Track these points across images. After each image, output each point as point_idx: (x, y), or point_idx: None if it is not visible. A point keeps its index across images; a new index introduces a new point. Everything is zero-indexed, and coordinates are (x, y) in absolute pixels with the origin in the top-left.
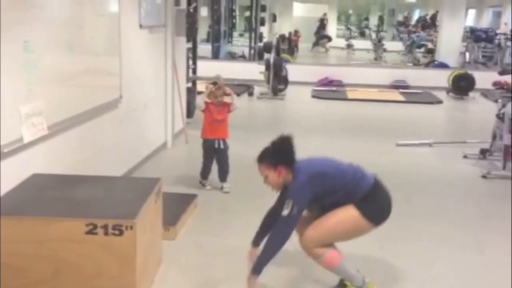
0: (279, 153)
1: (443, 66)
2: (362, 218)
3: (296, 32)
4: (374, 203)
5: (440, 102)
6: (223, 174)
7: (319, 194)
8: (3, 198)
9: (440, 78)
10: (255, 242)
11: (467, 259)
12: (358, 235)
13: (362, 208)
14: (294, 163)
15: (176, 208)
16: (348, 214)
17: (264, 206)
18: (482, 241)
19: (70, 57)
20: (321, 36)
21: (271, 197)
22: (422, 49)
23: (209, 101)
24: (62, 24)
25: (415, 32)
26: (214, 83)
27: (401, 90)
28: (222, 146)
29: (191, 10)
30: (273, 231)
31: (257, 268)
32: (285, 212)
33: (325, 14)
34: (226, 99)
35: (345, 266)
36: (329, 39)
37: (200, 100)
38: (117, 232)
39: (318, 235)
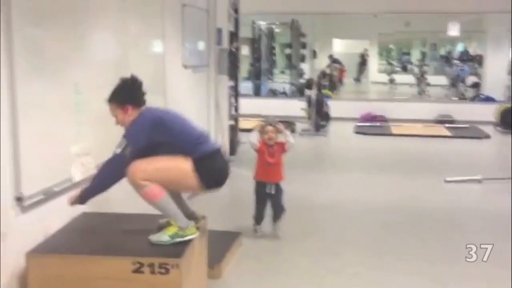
0: (126, 92)
1: (489, 100)
2: (193, 173)
3: (341, 68)
4: (210, 166)
5: (488, 136)
6: (275, 218)
7: (155, 142)
8: (53, 236)
9: (487, 112)
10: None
11: None
12: (183, 189)
13: (197, 164)
14: (142, 105)
15: (221, 246)
16: (182, 163)
17: (313, 247)
18: None
19: None
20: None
21: (320, 238)
22: (467, 83)
23: (261, 140)
24: (109, 65)
25: (458, 65)
26: (267, 120)
27: (447, 125)
28: (273, 192)
29: (233, 49)
30: (103, 165)
31: (83, 197)
32: (118, 150)
33: (365, 50)
34: (280, 138)
35: (168, 203)
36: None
37: (253, 139)
38: (163, 270)
39: (147, 168)
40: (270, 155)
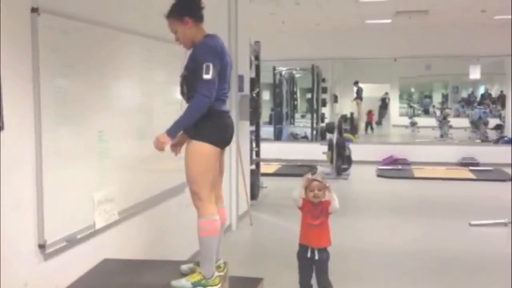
0: (184, 4)
1: None
2: (209, 147)
3: (370, 111)
4: (221, 124)
5: None
6: None
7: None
8: (75, 283)
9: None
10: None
11: None
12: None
13: (210, 118)
14: (201, 21)
15: None
16: (201, 153)
17: None
18: None
19: (140, 144)
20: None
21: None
22: (490, 125)
23: (305, 197)
24: (133, 113)
25: (481, 108)
26: (313, 173)
27: (471, 168)
28: (316, 257)
29: (254, 95)
30: (195, 96)
31: (172, 129)
32: (207, 76)
33: (386, 93)
34: (327, 197)
35: (212, 245)
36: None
37: (296, 194)
38: None
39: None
40: (313, 216)
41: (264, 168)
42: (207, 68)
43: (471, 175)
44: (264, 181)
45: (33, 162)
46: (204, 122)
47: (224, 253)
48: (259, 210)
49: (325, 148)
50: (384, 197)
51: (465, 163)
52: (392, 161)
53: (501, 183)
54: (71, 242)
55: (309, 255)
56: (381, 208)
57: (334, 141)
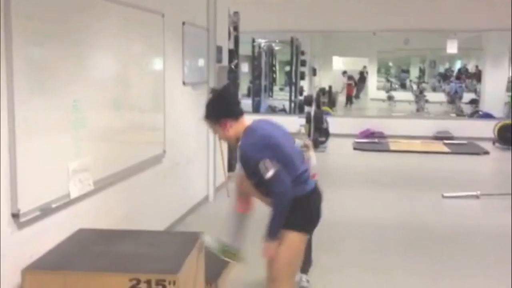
0: (220, 106)
1: (487, 116)
2: (298, 236)
3: (349, 84)
4: (308, 207)
5: (487, 153)
6: (304, 264)
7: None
8: (49, 252)
9: (485, 129)
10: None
11: None
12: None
13: (295, 206)
14: (240, 116)
15: (218, 262)
16: (291, 242)
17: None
18: None
19: (116, 114)
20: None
21: (320, 254)
22: (465, 100)
23: None
24: (109, 83)
25: (457, 83)
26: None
27: (445, 141)
28: None
29: (232, 67)
30: (273, 198)
31: (271, 232)
32: (269, 174)
33: (364, 67)
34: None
35: None
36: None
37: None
38: (160, 287)
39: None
40: None
41: None
42: (263, 167)
43: (445, 149)
44: None
45: (6, 131)
46: (292, 211)
47: (200, 224)
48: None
49: (303, 121)
50: (360, 169)
51: (440, 137)
52: (369, 134)
53: (475, 156)
54: (46, 211)
55: None
56: (356, 181)
57: (312, 114)
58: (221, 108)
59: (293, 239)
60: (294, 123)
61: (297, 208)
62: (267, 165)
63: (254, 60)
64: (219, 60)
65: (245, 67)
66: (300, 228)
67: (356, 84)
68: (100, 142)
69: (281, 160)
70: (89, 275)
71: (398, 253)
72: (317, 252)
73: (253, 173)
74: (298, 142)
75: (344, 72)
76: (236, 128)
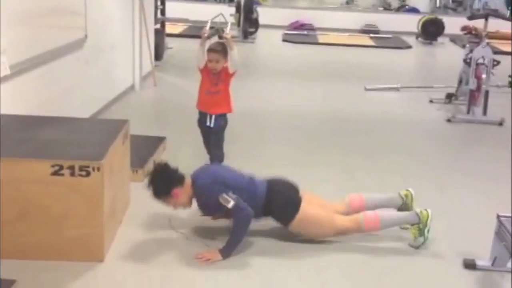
0: (164, 181)
1: (414, 10)
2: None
3: None
4: (283, 200)
5: (409, 47)
6: (211, 160)
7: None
8: None
9: (411, 23)
10: None
11: (428, 195)
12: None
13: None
14: (184, 181)
15: (144, 150)
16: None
17: (237, 151)
18: (443, 179)
19: None
20: None
21: (245, 142)
22: None
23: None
24: None
25: None
26: (219, 36)
27: (372, 35)
28: (212, 125)
29: None
30: (236, 221)
31: (227, 251)
32: (231, 204)
33: None
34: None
35: (386, 221)
36: None
37: (200, 54)
38: (84, 173)
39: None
40: (212, 83)
41: (170, 28)
42: (223, 199)
43: (371, 42)
44: (169, 41)
45: None
46: (278, 207)
47: (126, 112)
48: (164, 71)
49: (232, 10)
50: (288, 61)
51: (366, 30)
52: (298, 26)
53: (399, 50)
54: None
55: (207, 122)
56: (282, 72)
57: (242, 3)
58: (166, 181)
59: (301, 218)
60: (223, 12)
61: (277, 204)
62: (226, 197)
63: None
64: None
65: None
66: (294, 211)
67: None
68: (16, 25)
69: (231, 186)
70: (9, 160)
71: (323, 140)
72: (240, 139)
73: (215, 208)
74: (213, 32)
75: None
76: (186, 191)
